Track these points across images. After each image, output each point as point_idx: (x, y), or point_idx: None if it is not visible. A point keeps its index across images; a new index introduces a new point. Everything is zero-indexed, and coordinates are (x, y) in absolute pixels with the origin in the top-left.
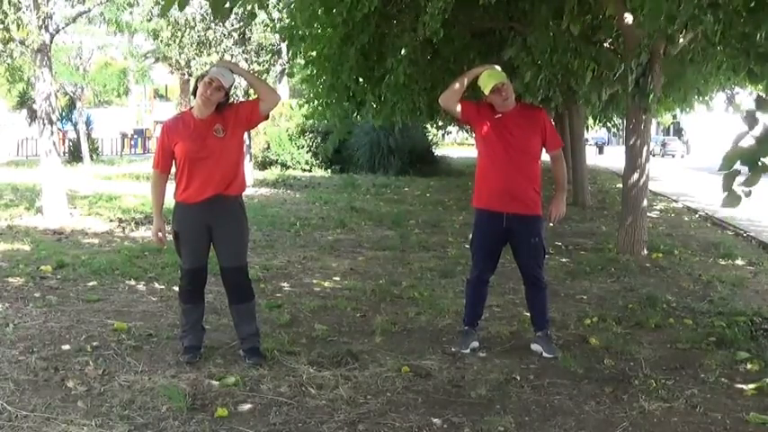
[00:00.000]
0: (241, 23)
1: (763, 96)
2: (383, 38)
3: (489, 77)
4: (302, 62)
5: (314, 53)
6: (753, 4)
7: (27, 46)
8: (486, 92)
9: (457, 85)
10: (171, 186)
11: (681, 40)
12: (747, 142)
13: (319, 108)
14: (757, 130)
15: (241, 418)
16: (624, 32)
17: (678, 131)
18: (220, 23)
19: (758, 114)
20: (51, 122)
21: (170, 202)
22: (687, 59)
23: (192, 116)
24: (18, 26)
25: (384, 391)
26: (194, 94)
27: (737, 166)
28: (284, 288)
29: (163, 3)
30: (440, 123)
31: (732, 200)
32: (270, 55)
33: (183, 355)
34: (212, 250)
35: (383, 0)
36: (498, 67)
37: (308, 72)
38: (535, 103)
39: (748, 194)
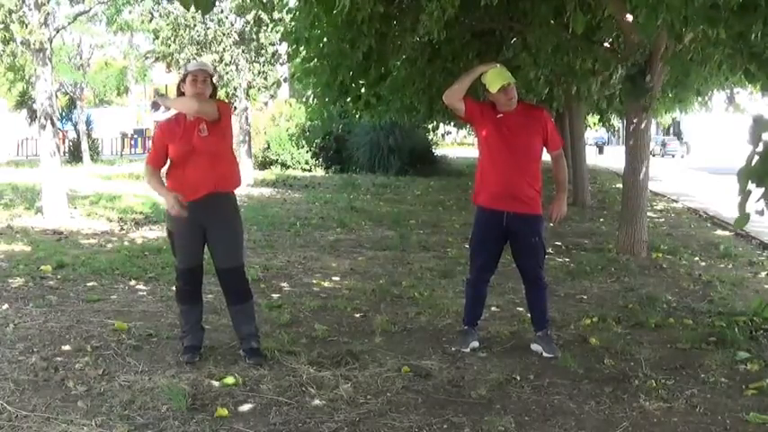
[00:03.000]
0: (242, 23)
1: (762, 115)
2: (383, 38)
3: (497, 76)
4: (301, 61)
5: (312, 53)
6: (744, 4)
7: (28, 45)
8: (493, 90)
9: (462, 83)
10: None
11: (677, 43)
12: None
13: (316, 107)
14: (760, 146)
15: (241, 418)
16: (624, 32)
17: (677, 134)
18: (220, 23)
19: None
20: (52, 122)
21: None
22: (688, 59)
23: (184, 117)
24: (22, 24)
25: (384, 391)
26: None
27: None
28: (284, 288)
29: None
30: (437, 124)
31: (742, 220)
32: (270, 56)
33: (183, 356)
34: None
35: (384, 1)
36: (504, 67)
37: (308, 69)
38: (536, 103)
39: (761, 213)
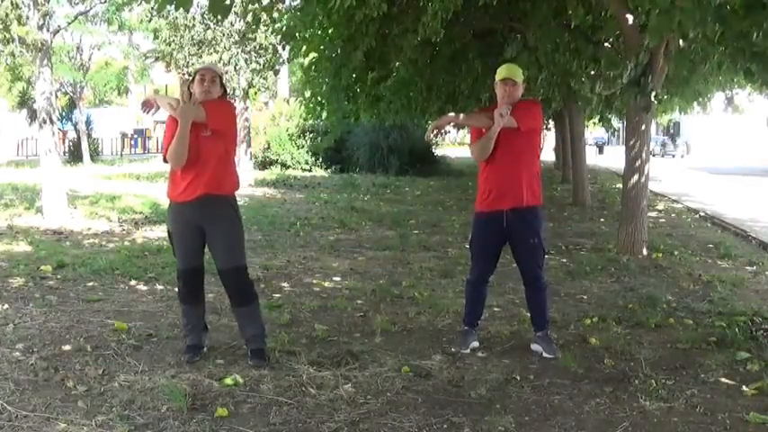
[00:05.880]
0: (242, 24)
1: None
2: (385, 39)
3: (506, 68)
4: (303, 61)
5: (315, 55)
6: (750, 3)
7: (27, 45)
8: (497, 78)
9: (483, 142)
10: (162, 186)
11: (681, 42)
12: None
13: (317, 107)
14: None
15: (241, 418)
16: (625, 32)
17: (672, 136)
18: (219, 22)
19: None
20: (51, 121)
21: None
22: (690, 58)
23: None
24: (19, 22)
25: (384, 391)
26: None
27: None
28: (284, 288)
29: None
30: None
31: None
32: (270, 55)
33: (184, 355)
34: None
35: (386, 1)
36: (517, 67)
37: (311, 72)
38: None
39: None
